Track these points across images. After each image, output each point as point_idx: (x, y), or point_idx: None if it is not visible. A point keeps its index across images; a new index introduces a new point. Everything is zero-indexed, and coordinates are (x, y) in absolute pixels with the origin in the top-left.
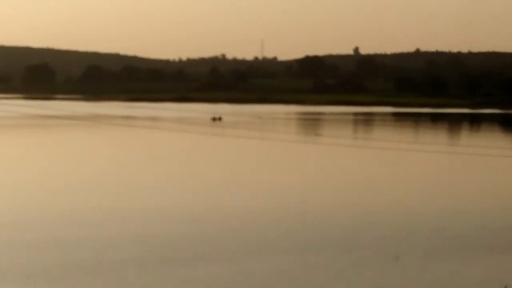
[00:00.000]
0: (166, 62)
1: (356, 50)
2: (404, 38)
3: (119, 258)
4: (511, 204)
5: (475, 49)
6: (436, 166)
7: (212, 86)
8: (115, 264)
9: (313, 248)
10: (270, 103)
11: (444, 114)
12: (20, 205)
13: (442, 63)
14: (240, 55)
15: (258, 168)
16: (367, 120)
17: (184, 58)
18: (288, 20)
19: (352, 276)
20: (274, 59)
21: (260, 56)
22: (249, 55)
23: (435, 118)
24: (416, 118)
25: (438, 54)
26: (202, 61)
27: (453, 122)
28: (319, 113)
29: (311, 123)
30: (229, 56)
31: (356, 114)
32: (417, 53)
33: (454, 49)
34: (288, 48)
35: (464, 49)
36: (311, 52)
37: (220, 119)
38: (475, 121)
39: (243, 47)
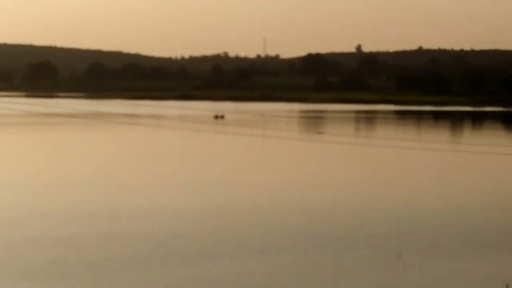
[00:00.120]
0: (169, 60)
1: (358, 48)
2: (406, 36)
3: (122, 255)
4: None
5: (478, 47)
6: (438, 164)
7: (215, 84)
8: (117, 262)
9: (316, 246)
10: (272, 101)
11: (446, 112)
12: (23, 203)
13: (445, 61)
14: (242, 53)
15: (261, 166)
16: (370, 118)
17: (186, 56)
18: (291, 18)
19: (356, 273)
20: (277, 57)
21: (262, 54)
22: (251, 53)
23: (437, 116)
24: (419, 116)
25: (441, 52)
26: (204, 59)
27: (456, 120)
28: (321, 111)
29: (314, 121)
30: (232, 54)
31: (358, 112)
32: (420, 51)
33: (457, 47)
34: (290, 46)
35: (467, 47)
36: (314, 50)
37: (222, 117)
38: (478, 119)
39: (245, 45)
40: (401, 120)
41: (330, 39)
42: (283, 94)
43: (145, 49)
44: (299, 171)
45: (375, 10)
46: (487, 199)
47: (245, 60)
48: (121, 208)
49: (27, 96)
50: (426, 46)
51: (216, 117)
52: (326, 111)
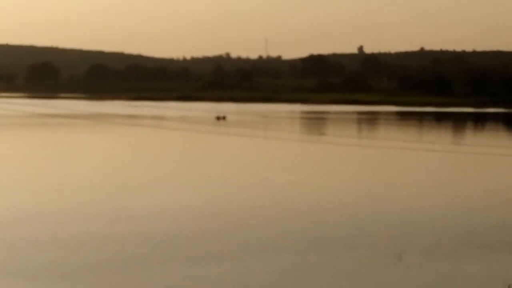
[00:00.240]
0: (171, 61)
1: (360, 49)
2: (408, 37)
3: (122, 256)
4: None
5: (480, 48)
6: (440, 165)
7: (217, 85)
8: (118, 262)
9: (316, 246)
10: (274, 102)
11: (448, 113)
12: (24, 203)
13: (447, 62)
14: (244, 54)
15: (262, 167)
16: (371, 119)
17: (188, 57)
18: (293, 19)
19: (356, 274)
20: (279, 58)
21: (264, 55)
22: (253, 54)
23: (439, 117)
24: (420, 117)
25: (443, 53)
26: (206, 60)
27: (458, 121)
28: (323, 112)
29: (315, 122)
30: (234, 55)
31: (360, 113)
32: (422, 52)
33: (459, 48)
34: (292, 47)
35: (469, 48)
36: (316, 51)
37: (224, 118)
38: (480, 120)
39: (247, 46)
40: (402, 121)
41: (332, 40)
42: (285, 95)
43: (147, 50)
44: (300, 172)
45: (376, 11)
46: (488, 200)
47: (247, 61)
48: (121, 208)
49: (28, 97)
50: (428, 47)
51: (218, 118)
52: (328, 112)
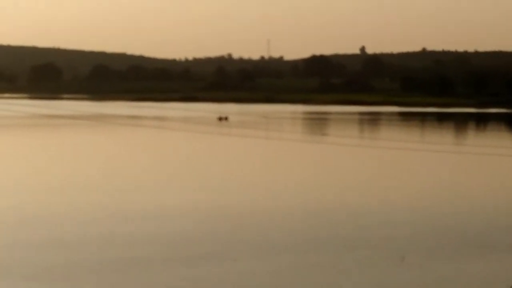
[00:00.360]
0: (173, 62)
1: (362, 49)
2: (410, 37)
3: (124, 256)
4: None
5: (482, 48)
6: (442, 165)
7: (219, 85)
8: (120, 263)
9: (317, 247)
10: (276, 103)
11: (450, 114)
12: (25, 204)
13: (449, 62)
14: (246, 55)
15: (265, 167)
16: (373, 119)
17: (190, 57)
18: (294, 19)
19: (356, 274)
20: (280, 58)
21: (266, 56)
22: (255, 55)
23: (441, 118)
24: (423, 118)
25: (445, 54)
26: (208, 61)
27: (460, 122)
28: (325, 113)
29: (317, 123)
30: (236, 55)
31: (362, 113)
32: (423, 53)
33: (461, 48)
34: (294, 47)
35: (471, 48)
36: (317, 52)
37: (226, 118)
38: (482, 121)
39: (249, 47)
40: (405, 122)
41: (334, 41)
42: (287, 96)
43: (148, 50)
44: (302, 172)
45: (378, 11)
46: (490, 200)
47: (249, 61)
48: (123, 209)
49: (30, 97)
50: (430, 47)
51: (220, 118)
52: (330, 113)
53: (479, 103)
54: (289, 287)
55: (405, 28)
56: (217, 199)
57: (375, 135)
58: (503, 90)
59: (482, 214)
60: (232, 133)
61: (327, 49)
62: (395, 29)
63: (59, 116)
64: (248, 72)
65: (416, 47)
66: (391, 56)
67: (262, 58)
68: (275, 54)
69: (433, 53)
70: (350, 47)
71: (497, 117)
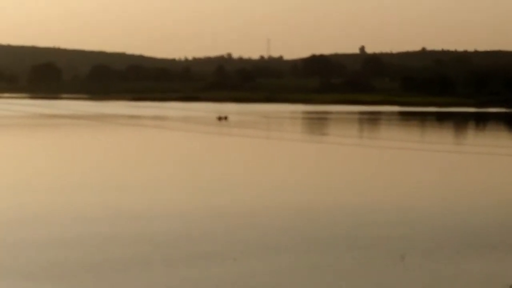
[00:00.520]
0: (172, 61)
1: (362, 49)
2: (410, 37)
3: (123, 256)
4: None
5: (482, 48)
6: (442, 165)
7: (218, 85)
8: (118, 263)
9: (317, 247)
10: (276, 102)
11: (450, 113)
12: (24, 203)
13: (449, 62)
14: (246, 54)
15: (264, 167)
16: (373, 119)
17: (190, 57)
18: (294, 19)
19: (356, 274)
20: (280, 58)
21: (266, 55)
22: (255, 54)
23: (441, 117)
24: (423, 117)
25: (444, 53)
26: (208, 60)
27: (460, 121)
28: (325, 112)
29: (317, 122)
30: (235, 55)
31: (362, 113)
32: (423, 52)
33: (461, 48)
34: (294, 47)
35: (471, 48)
36: (317, 51)
37: (226, 118)
38: (482, 120)
39: (249, 46)
40: (405, 121)
41: (334, 41)
42: (286, 96)
43: (148, 50)
44: (302, 172)
45: (378, 11)
46: (490, 200)
47: (249, 61)
48: (123, 209)
49: (30, 97)
50: (430, 47)
51: (220, 118)
52: (330, 112)
53: (479, 103)
54: (289, 287)
55: (405, 28)
56: (217, 198)
57: (375, 134)
58: (503, 90)
59: (482, 213)
60: (231, 133)
61: (327, 49)
62: (395, 29)
63: (59, 116)
64: (248, 72)
65: (416, 47)
66: (391, 55)
67: (262, 57)
68: (275, 54)
69: (433, 53)
70: (350, 47)
71: (497, 117)
